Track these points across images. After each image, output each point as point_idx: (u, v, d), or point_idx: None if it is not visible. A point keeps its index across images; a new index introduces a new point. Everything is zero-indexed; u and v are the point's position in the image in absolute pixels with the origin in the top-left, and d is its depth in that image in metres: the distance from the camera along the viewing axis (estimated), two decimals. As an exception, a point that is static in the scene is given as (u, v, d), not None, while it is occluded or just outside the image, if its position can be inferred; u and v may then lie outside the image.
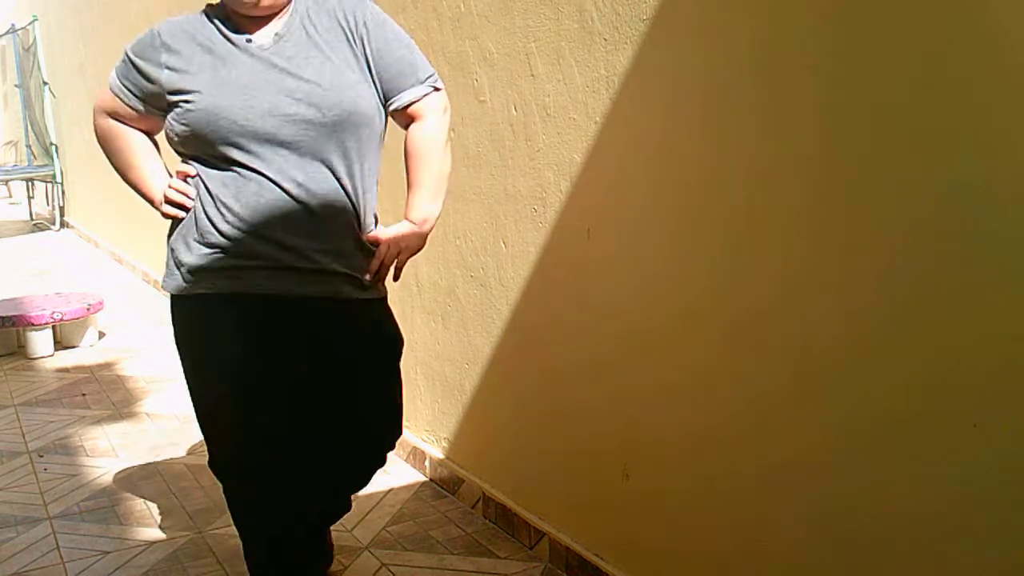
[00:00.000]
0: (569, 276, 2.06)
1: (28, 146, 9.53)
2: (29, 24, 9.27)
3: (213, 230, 1.70)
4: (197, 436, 1.88)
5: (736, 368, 1.64)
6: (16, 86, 9.97)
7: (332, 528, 2.15)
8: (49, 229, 9.11)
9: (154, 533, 2.42)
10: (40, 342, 4.26)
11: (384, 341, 1.88)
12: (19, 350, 4.35)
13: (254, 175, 1.68)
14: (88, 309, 4.39)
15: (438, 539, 2.35)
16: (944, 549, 1.32)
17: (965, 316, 1.26)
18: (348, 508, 2.02)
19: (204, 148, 1.71)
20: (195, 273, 1.72)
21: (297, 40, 1.74)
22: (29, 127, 9.58)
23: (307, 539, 1.96)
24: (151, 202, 1.83)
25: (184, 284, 1.74)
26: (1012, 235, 1.19)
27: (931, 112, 1.27)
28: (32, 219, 9.97)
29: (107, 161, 1.88)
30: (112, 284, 6.02)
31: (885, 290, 1.36)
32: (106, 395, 3.68)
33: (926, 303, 1.30)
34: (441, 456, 2.69)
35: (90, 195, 7.81)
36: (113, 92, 1.81)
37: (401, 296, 1.96)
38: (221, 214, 1.70)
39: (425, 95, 1.81)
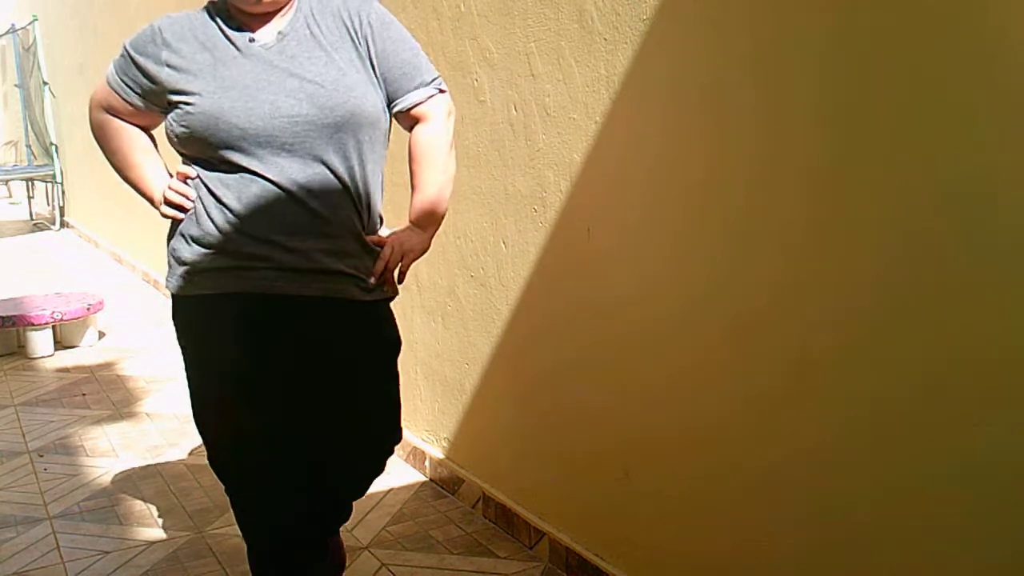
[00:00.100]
0: (569, 276, 2.06)
1: (28, 146, 9.54)
2: (29, 24, 9.26)
3: (215, 230, 1.70)
4: (197, 436, 1.88)
5: (736, 368, 1.64)
6: (16, 86, 9.96)
7: (332, 528, 2.14)
8: (49, 229, 9.11)
9: (154, 533, 2.42)
10: (40, 342, 4.26)
11: (382, 343, 1.87)
12: (19, 350, 4.35)
13: (255, 177, 1.67)
14: (88, 309, 4.39)
15: (438, 539, 2.35)
16: (944, 549, 1.32)
17: (964, 314, 1.26)
18: (348, 515, 2.01)
19: (204, 150, 1.69)
20: (196, 273, 1.72)
21: (300, 39, 1.73)
22: (29, 127, 9.58)
23: (308, 540, 1.95)
24: (150, 201, 1.83)
25: (185, 284, 1.74)
26: (1011, 235, 1.20)
27: (931, 112, 1.27)
28: (32, 219, 9.97)
29: (105, 159, 1.87)
30: (112, 284, 6.02)
31: (884, 289, 1.36)
32: (106, 395, 3.68)
33: (925, 302, 1.30)
34: (441, 456, 2.69)
35: (90, 195, 7.82)
36: (111, 87, 1.79)
37: (401, 296, 1.95)
38: (223, 214, 1.69)
39: (430, 97, 1.80)
